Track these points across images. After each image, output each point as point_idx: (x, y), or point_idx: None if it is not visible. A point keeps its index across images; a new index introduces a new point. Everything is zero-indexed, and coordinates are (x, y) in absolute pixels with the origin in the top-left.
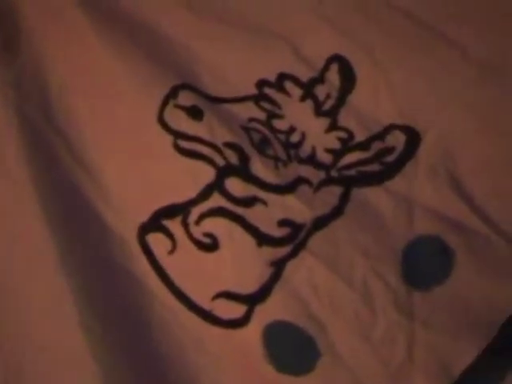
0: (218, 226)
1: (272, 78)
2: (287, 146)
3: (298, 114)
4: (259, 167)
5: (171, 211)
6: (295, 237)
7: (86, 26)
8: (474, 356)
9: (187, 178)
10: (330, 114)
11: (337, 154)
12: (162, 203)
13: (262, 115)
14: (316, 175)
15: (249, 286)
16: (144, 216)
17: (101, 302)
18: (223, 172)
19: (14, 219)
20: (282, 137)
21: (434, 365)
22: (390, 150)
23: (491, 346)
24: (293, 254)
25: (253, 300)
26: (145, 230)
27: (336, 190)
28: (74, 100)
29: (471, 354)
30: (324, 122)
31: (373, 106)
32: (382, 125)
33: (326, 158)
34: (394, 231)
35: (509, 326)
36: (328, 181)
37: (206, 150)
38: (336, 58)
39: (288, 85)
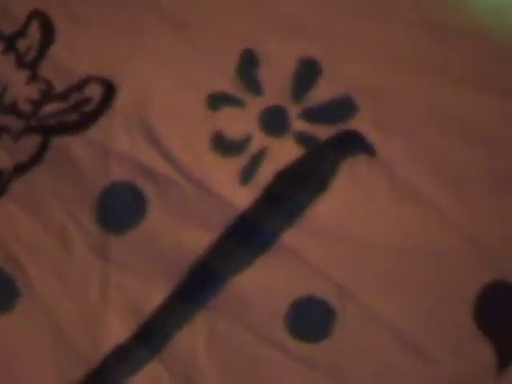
0: None
1: None
2: None
3: (0, 66)
4: None
5: None
6: None
7: None
8: (163, 298)
9: None
10: (30, 65)
11: (37, 105)
12: None
13: None
14: (17, 124)
15: None
16: None
17: None
18: None
19: None
20: None
21: (126, 306)
22: (87, 101)
23: (178, 289)
24: None
25: None
26: None
27: (36, 139)
28: None
29: (160, 296)
30: (25, 74)
31: (71, 58)
32: (80, 76)
33: (26, 108)
34: (91, 178)
35: (197, 271)
36: (28, 130)
37: None
38: (36, 14)
39: None
